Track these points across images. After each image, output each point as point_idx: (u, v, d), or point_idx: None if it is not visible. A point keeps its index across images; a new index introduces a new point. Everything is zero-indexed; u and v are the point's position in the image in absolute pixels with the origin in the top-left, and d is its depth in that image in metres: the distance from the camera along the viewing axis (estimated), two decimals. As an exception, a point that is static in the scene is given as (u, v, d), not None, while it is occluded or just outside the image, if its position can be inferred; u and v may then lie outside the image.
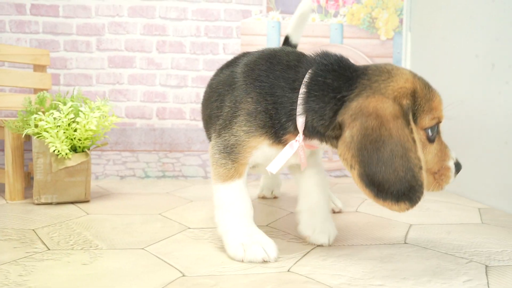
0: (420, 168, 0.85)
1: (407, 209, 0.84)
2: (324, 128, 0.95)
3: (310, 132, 0.98)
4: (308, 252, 1.08)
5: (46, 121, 1.51)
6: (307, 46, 2.20)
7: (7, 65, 2.09)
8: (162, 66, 2.18)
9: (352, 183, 2.12)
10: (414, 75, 0.95)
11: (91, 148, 1.66)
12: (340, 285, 0.86)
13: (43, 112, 1.57)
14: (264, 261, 0.97)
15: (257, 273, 0.92)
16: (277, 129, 1.00)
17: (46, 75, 1.99)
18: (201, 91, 2.19)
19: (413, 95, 0.91)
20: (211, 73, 2.17)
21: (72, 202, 1.62)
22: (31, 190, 1.82)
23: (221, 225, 1.05)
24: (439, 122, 0.95)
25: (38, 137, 1.53)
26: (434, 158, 0.96)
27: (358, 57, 2.25)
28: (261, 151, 1.04)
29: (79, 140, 1.58)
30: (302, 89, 0.97)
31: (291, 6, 2.21)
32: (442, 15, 1.85)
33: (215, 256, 1.04)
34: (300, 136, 0.99)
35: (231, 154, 1.04)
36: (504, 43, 1.10)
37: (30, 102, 1.62)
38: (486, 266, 0.98)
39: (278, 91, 1.00)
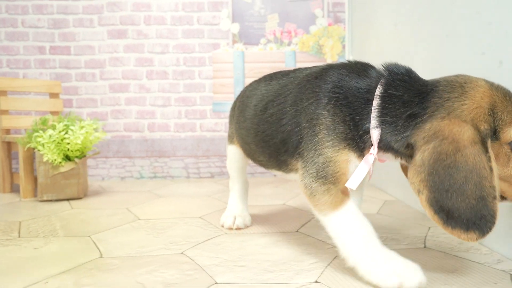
0: (494, 197, 0.67)
1: (477, 239, 0.67)
2: (397, 144, 0.77)
3: (385, 146, 0.79)
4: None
5: (43, 138, 1.61)
6: (266, 70, 2.23)
7: (32, 94, 2.21)
8: (151, 90, 2.26)
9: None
10: (491, 86, 0.74)
11: (86, 156, 1.75)
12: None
13: (44, 130, 1.67)
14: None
15: (159, 254, 0.97)
16: (358, 141, 0.80)
17: (59, 100, 2.10)
18: (183, 109, 2.25)
19: (492, 110, 0.71)
20: (190, 94, 2.24)
21: (67, 199, 1.70)
22: (45, 190, 1.93)
23: (353, 257, 0.78)
24: None
25: (37, 149, 1.63)
26: None
27: (309, 77, 2.26)
28: (354, 165, 0.81)
29: (71, 151, 1.67)
30: (376, 101, 0.79)
31: (252, 38, 2.25)
32: (375, 13, 1.85)
33: (138, 241, 1.09)
34: (375, 149, 0.79)
35: (328, 177, 0.81)
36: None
37: (36, 123, 1.72)
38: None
39: (354, 103, 0.80)
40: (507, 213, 0.90)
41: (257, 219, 1.31)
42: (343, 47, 2.27)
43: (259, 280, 0.81)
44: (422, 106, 0.75)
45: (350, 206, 0.81)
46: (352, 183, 0.79)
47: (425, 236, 1.08)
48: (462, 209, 0.68)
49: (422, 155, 0.71)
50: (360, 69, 0.84)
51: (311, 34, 2.26)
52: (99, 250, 1.01)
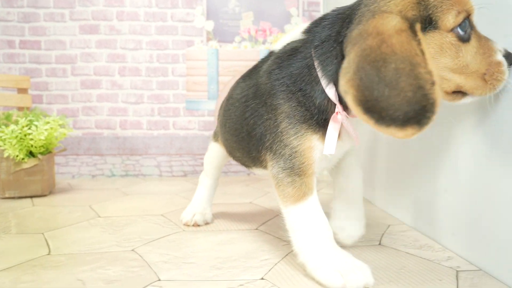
0: (433, 83, 0.60)
1: (414, 134, 0.60)
2: None
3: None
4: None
5: (5, 133, 1.57)
6: (240, 68, 2.22)
7: None
8: (123, 87, 2.23)
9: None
10: None
11: (53, 152, 1.71)
12: None
13: (6, 126, 1.63)
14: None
15: (108, 251, 0.95)
16: (318, 116, 0.76)
17: (27, 96, 2.05)
18: (156, 107, 2.23)
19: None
20: (163, 92, 2.22)
21: (30, 197, 1.67)
22: (10, 187, 1.88)
23: (304, 252, 0.77)
24: (468, 15, 0.67)
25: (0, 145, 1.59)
26: (475, 57, 0.68)
27: (283, 76, 2.26)
28: (319, 151, 0.77)
29: (35, 147, 1.63)
30: (315, 62, 0.74)
31: (226, 36, 2.24)
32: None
33: (91, 238, 1.06)
34: (338, 106, 0.74)
35: (294, 168, 0.78)
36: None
37: (-1, 118, 1.68)
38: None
39: (299, 79, 0.77)
40: (460, 209, 0.90)
41: (219, 217, 1.30)
42: (318, 46, 2.27)
43: (204, 277, 0.79)
44: (350, 24, 0.70)
45: (312, 202, 0.78)
46: (328, 148, 0.74)
47: (382, 234, 1.07)
48: (397, 104, 0.60)
49: (348, 57, 0.65)
50: (293, 47, 0.81)
51: (286, 33, 2.26)
52: (49, 247, 0.99)
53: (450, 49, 0.67)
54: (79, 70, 2.21)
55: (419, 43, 0.62)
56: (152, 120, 2.21)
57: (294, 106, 0.77)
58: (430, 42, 0.67)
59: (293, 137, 0.77)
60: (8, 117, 1.68)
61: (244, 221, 1.24)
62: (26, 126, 1.60)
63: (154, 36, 2.21)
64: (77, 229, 1.16)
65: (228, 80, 2.22)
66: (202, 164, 2.23)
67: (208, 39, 2.23)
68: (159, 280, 0.77)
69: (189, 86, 2.22)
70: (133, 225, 1.20)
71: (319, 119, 0.76)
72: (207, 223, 1.21)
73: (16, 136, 1.58)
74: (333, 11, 0.78)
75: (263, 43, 2.25)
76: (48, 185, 1.70)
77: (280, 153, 0.79)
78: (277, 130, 0.79)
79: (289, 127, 0.77)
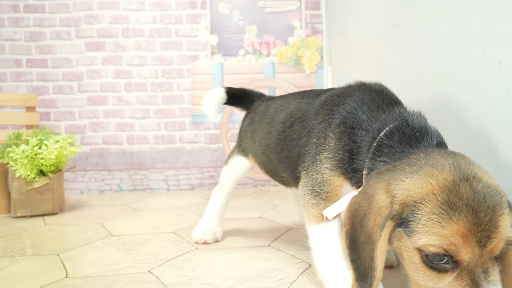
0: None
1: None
2: None
3: None
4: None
5: (16, 153, 1.59)
6: (244, 81, 2.24)
7: (8, 108, 2.18)
8: (130, 102, 2.25)
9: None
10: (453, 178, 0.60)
11: (63, 170, 1.73)
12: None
13: (17, 145, 1.65)
14: None
15: (125, 273, 0.96)
16: (351, 174, 0.78)
17: (35, 114, 2.08)
18: (162, 121, 2.25)
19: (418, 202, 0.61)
20: (169, 106, 2.24)
21: (42, 215, 1.68)
22: (20, 205, 1.90)
23: (322, 270, 0.80)
24: (446, 254, 0.58)
25: (9, 165, 1.61)
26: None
27: (288, 88, 2.28)
28: (347, 190, 0.80)
29: (46, 166, 1.65)
30: (376, 143, 0.74)
31: (231, 50, 2.26)
32: (352, 24, 1.88)
33: (107, 259, 1.08)
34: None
35: (320, 193, 0.82)
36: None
37: (9, 138, 1.70)
38: (310, 265, 1.00)
39: (358, 135, 0.78)
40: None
41: (230, 233, 1.31)
42: (321, 57, 2.29)
43: (222, 299, 0.80)
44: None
45: (333, 225, 0.81)
46: (329, 212, 0.78)
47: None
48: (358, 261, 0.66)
49: (354, 198, 0.70)
50: (380, 101, 0.80)
51: (290, 45, 2.28)
52: (66, 270, 1.00)
53: (413, 263, 0.63)
54: (86, 86, 2.23)
55: (379, 239, 0.62)
56: (158, 134, 2.23)
57: (340, 146, 0.80)
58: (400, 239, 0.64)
59: (328, 170, 0.81)
60: (18, 137, 1.70)
61: (256, 237, 1.25)
62: (37, 145, 1.62)
63: (159, 51, 2.24)
64: (91, 249, 1.17)
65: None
66: (209, 177, 2.25)
67: (213, 53, 2.25)
68: (178, 303, 0.79)
69: (194, 100, 2.24)
70: (146, 244, 1.21)
71: (351, 176, 0.78)
72: (217, 241, 1.22)
73: (27, 156, 1.60)
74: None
75: (267, 55, 2.28)
76: (58, 202, 1.72)
77: (312, 176, 0.83)
78: (318, 156, 0.83)
79: (329, 160, 0.81)
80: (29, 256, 1.12)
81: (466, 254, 0.56)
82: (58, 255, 1.13)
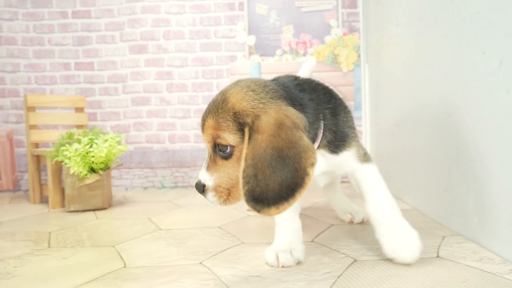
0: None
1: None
2: None
3: None
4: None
5: (70, 151, 1.69)
6: (282, 80, 2.27)
7: (58, 109, 2.31)
8: (171, 102, 2.33)
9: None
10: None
11: (109, 168, 1.82)
12: None
13: (70, 144, 1.75)
14: None
15: (179, 265, 1.02)
16: None
17: (84, 114, 2.19)
18: (202, 120, 2.31)
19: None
20: (208, 106, 2.30)
21: (93, 210, 1.78)
22: (71, 200, 2.01)
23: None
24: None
25: (64, 163, 1.72)
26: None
27: (325, 87, 2.29)
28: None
29: (96, 164, 1.75)
30: None
31: (268, 50, 2.30)
32: (390, 21, 1.88)
33: (159, 251, 1.14)
34: None
35: None
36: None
37: (62, 137, 1.81)
38: (355, 260, 1.02)
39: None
40: (518, 223, 0.91)
41: (273, 229, 1.35)
42: (359, 56, 2.30)
43: (273, 289, 0.84)
44: None
45: None
46: None
47: (439, 246, 1.09)
48: None
49: None
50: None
51: (326, 44, 2.30)
52: (123, 260, 1.07)
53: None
54: (130, 88, 2.33)
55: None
56: (199, 133, 2.30)
57: None
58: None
59: None
60: (70, 136, 1.80)
61: (299, 233, 1.28)
62: (88, 144, 1.72)
63: (199, 53, 2.31)
64: (143, 242, 1.24)
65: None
66: (247, 175, 2.29)
67: (250, 54, 2.30)
68: (232, 292, 0.83)
69: (233, 99, 2.30)
70: (194, 238, 1.27)
71: None
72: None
73: (79, 154, 1.70)
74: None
75: (304, 55, 2.30)
76: (107, 198, 1.81)
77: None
78: None
79: None
80: (88, 247, 1.20)
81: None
82: (113, 246, 1.20)
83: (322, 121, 0.92)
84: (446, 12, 1.22)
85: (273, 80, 0.96)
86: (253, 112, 0.80)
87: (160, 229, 1.40)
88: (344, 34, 2.29)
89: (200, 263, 1.03)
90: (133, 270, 0.99)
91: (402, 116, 1.70)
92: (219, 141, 0.83)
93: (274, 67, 2.29)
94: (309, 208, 1.68)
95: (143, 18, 2.31)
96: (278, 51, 2.30)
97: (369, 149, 2.28)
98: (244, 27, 2.29)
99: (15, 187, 2.36)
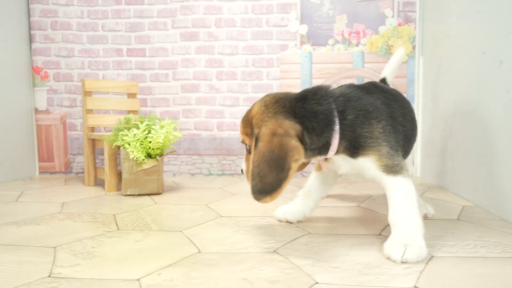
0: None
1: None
2: None
3: None
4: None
5: (128, 136, 1.72)
6: (333, 71, 2.24)
7: (110, 94, 2.36)
8: (220, 90, 2.34)
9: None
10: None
11: (164, 154, 1.85)
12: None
13: (128, 129, 1.79)
14: None
15: (253, 252, 1.03)
16: None
17: (136, 100, 2.23)
18: (250, 109, 2.31)
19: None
20: (258, 95, 2.30)
21: (148, 194, 1.82)
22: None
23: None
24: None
25: (123, 147, 1.75)
26: None
27: (377, 78, 2.25)
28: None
29: (153, 149, 1.78)
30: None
31: (320, 39, 2.27)
32: (448, 12, 1.82)
33: (228, 238, 1.16)
34: None
35: None
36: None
37: (120, 122, 1.85)
38: (432, 256, 1.00)
39: None
40: None
41: (333, 220, 1.34)
42: (413, 47, 2.24)
43: (357, 282, 0.84)
44: None
45: None
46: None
47: (459, 213, 1.06)
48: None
49: None
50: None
51: (380, 35, 2.25)
52: (196, 246, 1.09)
53: None
54: (180, 75, 2.35)
55: None
56: (247, 122, 2.30)
57: None
58: None
59: None
60: (128, 121, 1.84)
61: (362, 226, 1.27)
62: (145, 130, 1.75)
63: (250, 41, 2.30)
64: (209, 228, 1.26)
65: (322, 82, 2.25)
66: (294, 165, 2.29)
67: (302, 43, 2.27)
68: (317, 283, 0.83)
69: (282, 88, 2.29)
70: (258, 226, 1.28)
71: None
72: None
73: (138, 139, 1.73)
74: None
75: (357, 45, 2.26)
76: (161, 183, 1.84)
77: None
78: None
79: None
80: (156, 231, 1.23)
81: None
82: (181, 231, 1.23)
83: (333, 131, 1.03)
84: (507, 4, 1.17)
85: (321, 89, 1.11)
86: (260, 124, 1.02)
87: (222, 216, 1.41)
88: (399, 25, 2.23)
89: (275, 251, 1.03)
90: (208, 255, 1.01)
91: (459, 108, 1.65)
92: (245, 141, 1.10)
93: (325, 57, 2.26)
94: (366, 201, 1.67)
95: (195, 5, 2.31)
96: (330, 41, 2.26)
97: (421, 141, 2.23)
98: (296, 15, 2.27)
99: (67, 169, 2.43)
